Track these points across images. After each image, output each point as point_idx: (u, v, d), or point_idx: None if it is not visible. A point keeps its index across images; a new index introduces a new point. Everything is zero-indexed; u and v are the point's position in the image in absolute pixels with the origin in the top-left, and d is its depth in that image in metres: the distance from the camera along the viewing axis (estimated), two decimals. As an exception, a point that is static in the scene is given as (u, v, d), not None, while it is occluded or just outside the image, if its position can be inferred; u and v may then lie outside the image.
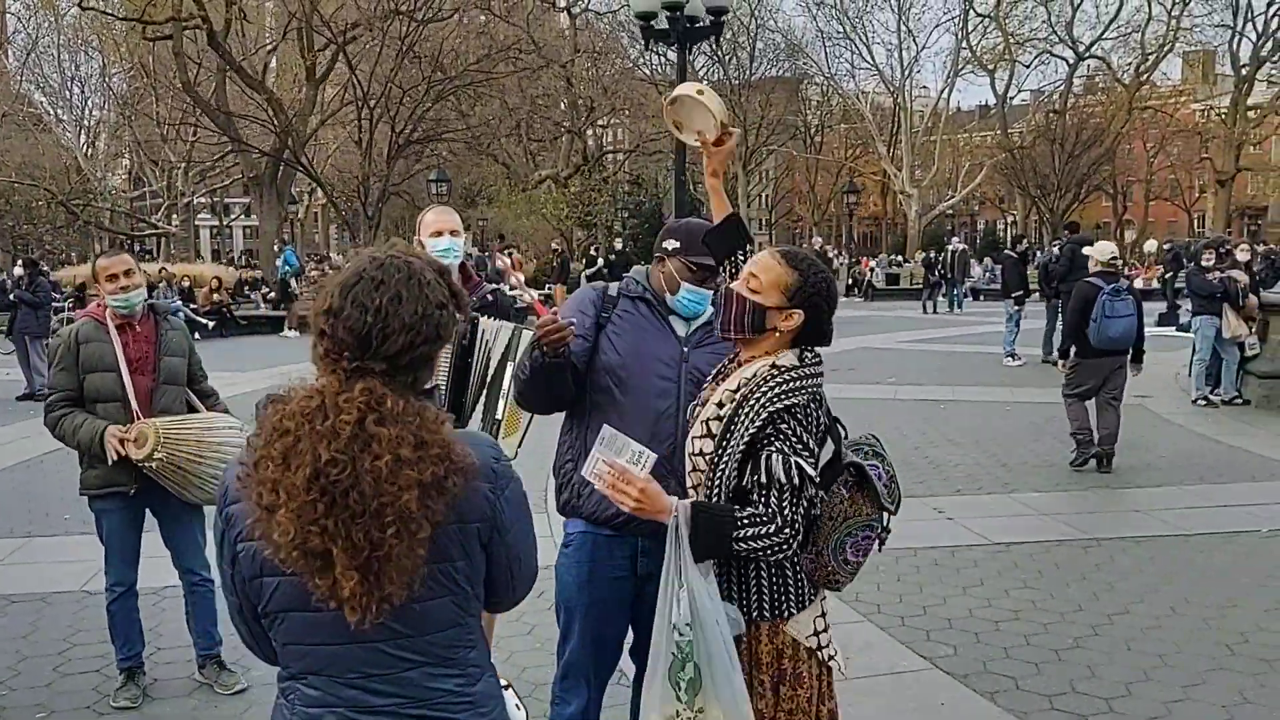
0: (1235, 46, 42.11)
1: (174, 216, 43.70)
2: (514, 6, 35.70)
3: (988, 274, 30.85)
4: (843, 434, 2.66)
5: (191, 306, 21.15)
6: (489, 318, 4.05)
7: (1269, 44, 40.89)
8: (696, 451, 2.62)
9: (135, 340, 4.54)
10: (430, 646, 1.82)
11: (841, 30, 50.03)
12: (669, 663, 2.55)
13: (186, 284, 21.44)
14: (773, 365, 2.55)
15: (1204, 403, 11.29)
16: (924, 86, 59.88)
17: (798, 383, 2.51)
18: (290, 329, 21.60)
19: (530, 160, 44.75)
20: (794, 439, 2.45)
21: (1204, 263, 11.23)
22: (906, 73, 51.25)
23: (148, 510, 4.68)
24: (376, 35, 23.50)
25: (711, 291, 3.24)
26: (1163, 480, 8.32)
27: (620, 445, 2.60)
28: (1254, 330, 11.25)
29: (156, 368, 4.57)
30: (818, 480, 2.49)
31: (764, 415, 2.45)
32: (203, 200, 48.35)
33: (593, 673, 3.33)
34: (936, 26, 79.76)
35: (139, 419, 4.40)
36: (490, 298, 4.30)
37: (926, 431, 10.30)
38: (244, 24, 27.97)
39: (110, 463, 4.35)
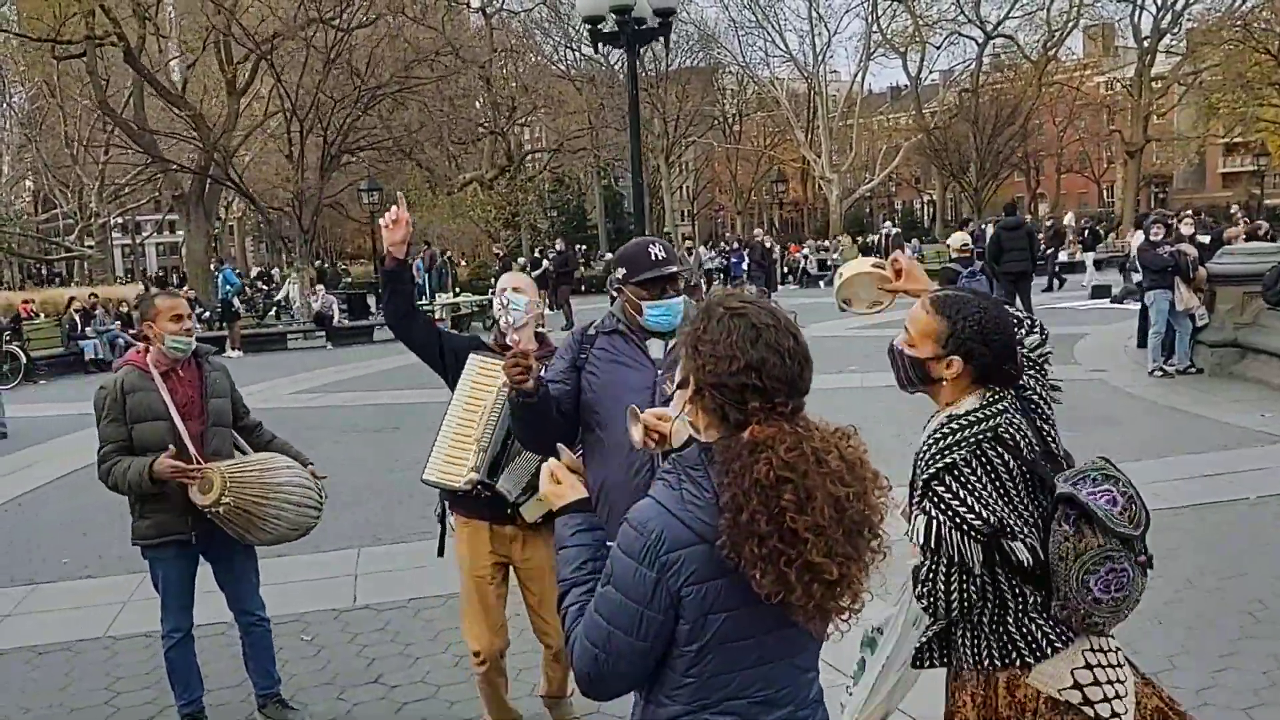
0: (1137, 20, 43.38)
1: (87, 238, 42.51)
2: (428, 9, 35.39)
3: (915, 255, 31.43)
4: (1064, 464, 2.57)
5: (131, 332, 20.64)
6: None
7: (1168, 16, 42.16)
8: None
9: (181, 385, 4.49)
10: (816, 656, 2.04)
11: (754, 19, 50.43)
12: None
13: (124, 309, 20.95)
14: (948, 417, 2.56)
15: (1160, 374, 11.70)
16: (835, 71, 60.59)
17: (961, 433, 2.47)
18: (234, 349, 21.24)
19: (453, 163, 44.44)
20: (948, 498, 2.41)
21: (1153, 237, 11.63)
22: (820, 58, 51.91)
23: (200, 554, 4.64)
24: (300, 45, 23.10)
25: (678, 298, 3.36)
26: (1140, 454, 8.61)
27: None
28: (1203, 301, 11.69)
29: (204, 411, 4.54)
30: (983, 532, 2.40)
31: (920, 482, 2.49)
32: (117, 220, 47.05)
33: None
34: (847, 12, 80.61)
35: (198, 464, 4.37)
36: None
37: (900, 418, 10.51)
38: (160, 39, 27.35)
39: (172, 505, 4.31)
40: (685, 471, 1.92)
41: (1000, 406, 2.52)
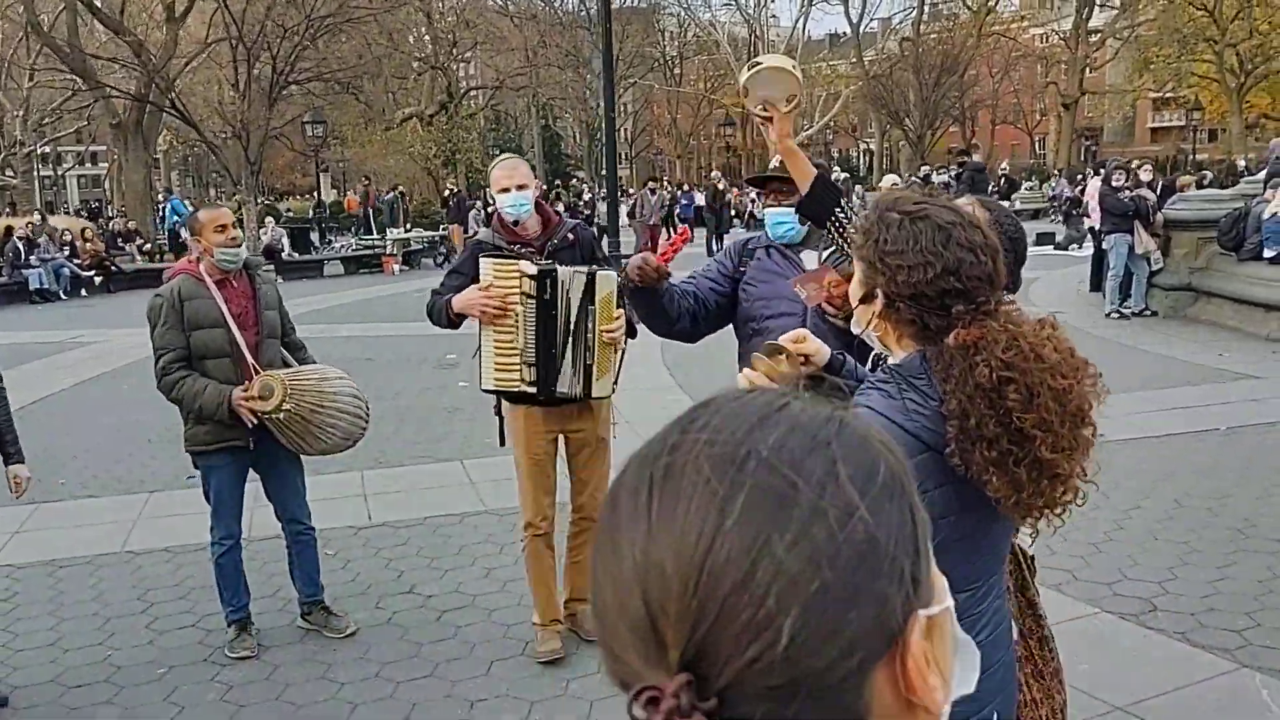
0: (1075, -29, 43.91)
1: (11, 168, 41.09)
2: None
3: (861, 202, 31.86)
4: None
5: (75, 261, 20.17)
6: (565, 265, 4.17)
7: (1107, -30, 42.82)
8: None
9: (234, 295, 4.54)
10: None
11: (697, -40, 50.02)
12: None
13: (68, 237, 20.42)
14: None
15: (1117, 315, 12.13)
16: (774, 16, 60.65)
17: None
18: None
19: (391, 99, 43.70)
20: None
21: (1115, 183, 11.98)
22: (762, 2, 51.77)
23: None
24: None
25: (791, 209, 3.47)
26: (1112, 388, 8.93)
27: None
28: (1158, 246, 12.11)
29: (258, 321, 4.59)
30: None
31: None
32: (45, 150, 45.52)
33: None
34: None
35: (255, 373, 4.42)
36: (570, 236, 4.41)
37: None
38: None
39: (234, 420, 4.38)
40: (907, 380, 1.89)
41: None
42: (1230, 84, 37.79)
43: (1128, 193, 11.81)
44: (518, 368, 4.16)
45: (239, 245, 4.51)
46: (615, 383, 4.39)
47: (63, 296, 18.65)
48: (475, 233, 25.79)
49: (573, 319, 4.16)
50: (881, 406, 1.87)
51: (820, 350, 2.27)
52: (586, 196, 38.67)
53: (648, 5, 56.15)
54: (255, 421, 4.35)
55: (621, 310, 4.18)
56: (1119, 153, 49.51)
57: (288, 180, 60.73)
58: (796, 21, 53.20)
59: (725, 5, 53.50)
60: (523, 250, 4.22)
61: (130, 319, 16.57)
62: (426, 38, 44.34)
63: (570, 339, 4.17)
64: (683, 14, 55.94)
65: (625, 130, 69.63)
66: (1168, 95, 46.14)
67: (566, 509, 4.59)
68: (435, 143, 41.27)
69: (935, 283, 1.83)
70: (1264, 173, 12.78)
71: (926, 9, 48.82)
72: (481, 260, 4.16)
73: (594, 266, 4.22)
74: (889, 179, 13.14)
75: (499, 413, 4.51)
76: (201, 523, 6.11)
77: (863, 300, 1.96)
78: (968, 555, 1.94)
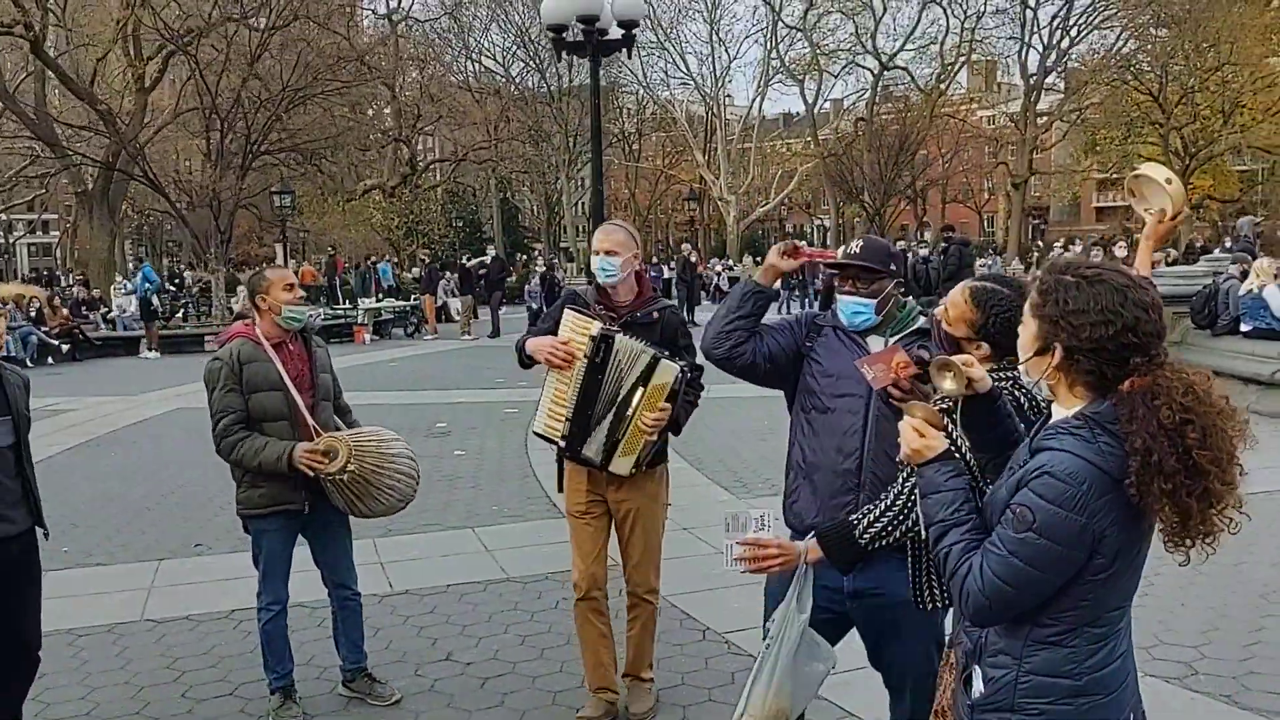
0: (1023, 57, 45.40)
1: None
2: (332, 14, 34.91)
3: (823, 276, 32.34)
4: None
5: (44, 329, 19.89)
6: (630, 337, 4.16)
7: (1053, 54, 44.25)
8: None
9: (290, 358, 4.55)
10: None
11: (656, 40, 51.02)
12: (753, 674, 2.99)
13: (37, 305, 20.15)
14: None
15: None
16: (729, 95, 61.57)
17: None
18: (150, 350, 20.62)
19: (353, 170, 43.89)
20: None
21: (1094, 258, 12.31)
22: (719, 82, 52.86)
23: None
24: (220, 41, 22.64)
25: (865, 299, 3.46)
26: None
27: (743, 521, 2.90)
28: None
29: (314, 384, 4.60)
30: None
31: None
32: (3, 218, 45.03)
33: None
34: (747, 37, 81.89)
35: (316, 434, 4.43)
36: (655, 314, 4.38)
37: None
38: (67, 31, 26.44)
39: (296, 479, 4.36)
40: (1102, 425, 2.08)
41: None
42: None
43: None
44: (561, 420, 4.22)
45: (304, 306, 4.54)
46: (638, 466, 4.31)
47: (29, 364, 18.35)
48: (444, 303, 26.08)
49: (621, 392, 4.16)
50: (1079, 450, 2.07)
51: (984, 379, 2.40)
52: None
53: (607, 83, 56.98)
54: (314, 475, 4.34)
55: (670, 405, 4.17)
56: (1066, 231, 50.78)
57: (244, 250, 60.43)
58: (753, 101, 54.62)
59: (682, 85, 54.51)
60: (604, 314, 4.24)
61: (103, 387, 16.46)
62: (387, 111, 44.83)
63: (612, 410, 4.18)
64: (641, 92, 56.88)
65: (582, 204, 70.37)
66: (1114, 176, 47.48)
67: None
68: (397, 214, 41.51)
69: (1116, 338, 2.06)
70: (1229, 249, 13.21)
71: (879, 91, 50.12)
72: (565, 311, 4.24)
73: (663, 351, 4.18)
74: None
75: (559, 461, 4.52)
76: (219, 590, 6.07)
77: (1038, 353, 2.17)
78: (1129, 577, 2.17)
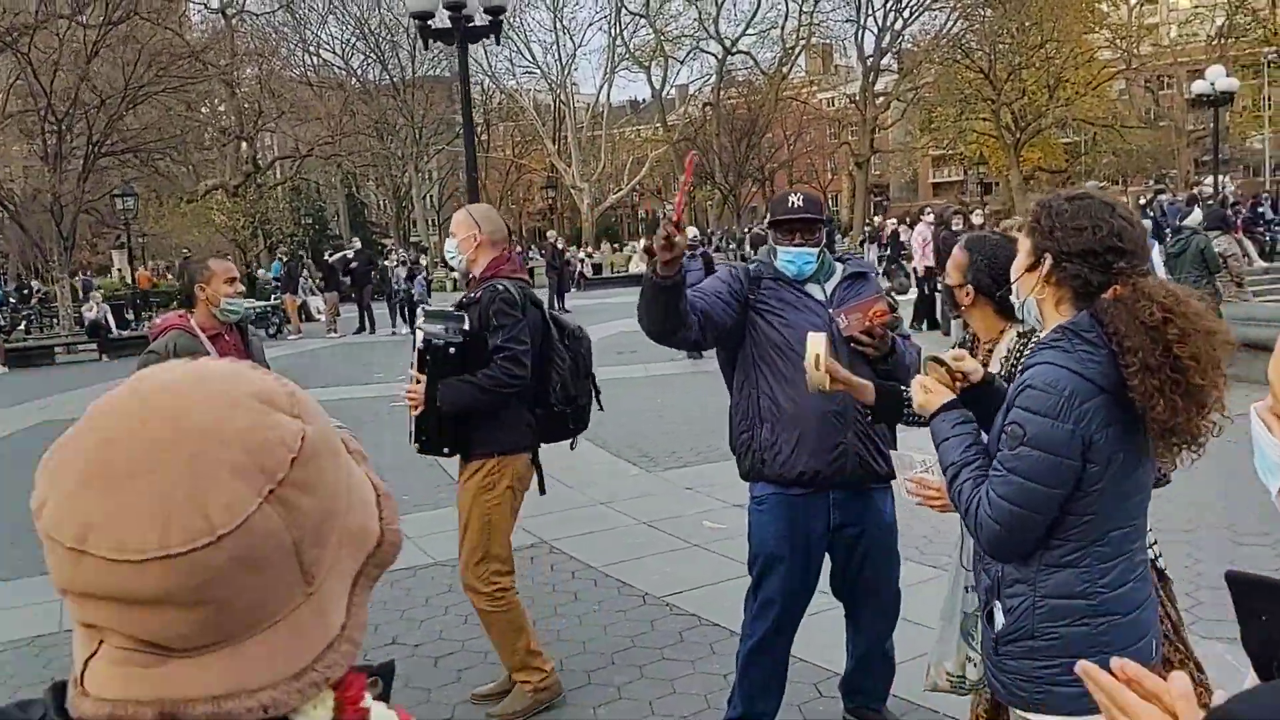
0: (860, 39, 46.86)
1: None
2: (159, 9, 33.58)
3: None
4: None
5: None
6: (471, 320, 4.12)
7: (888, 36, 45.82)
8: None
9: (227, 349, 4.49)
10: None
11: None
12: (962, 619, 3.04)
13: None
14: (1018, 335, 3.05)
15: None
16: (574, 83, 61.62)
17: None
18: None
19: (191, 170, 42.34)
20: None
21: (954, 227, 12.95)
22: (566, 70, 52.87)
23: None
24: (50, 40, 21.57)
25: (808, 248, 3.64)
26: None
27: (907, 461, 2.98)
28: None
29: (252, 375, 4.54)
30: None
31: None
32: None
33: (788, 618, 3.76)
34: (591, 24, 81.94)
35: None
36: (478, 294, 4.16)
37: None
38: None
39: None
40: (1079, 335, 2.20)
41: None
42: (1007, 140, 40.97)
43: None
44: None
45: (244, 297, 4.49)
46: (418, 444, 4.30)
47: None
48: (304, 301, 25.40)
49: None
50: (1057, 359, 2.20)
51: (977, 369, 2.53)
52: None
53: (452, 73, 56.29)
54: None
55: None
56: (906, 208, 52.71)
57: (78, 258, 57.65)
58: (600, 89, 54.78)
59: (528, 73, 54.29)
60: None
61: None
62: (223, 109, 43.38)
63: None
64: (487, 82, 56.42)
65: (431, 197, 69.42)
66: (950, 152, 49.49)
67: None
68: (242, 214, 40.27)
69: (1104, 240, 2.21)
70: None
71: (724, 76, 50.99)
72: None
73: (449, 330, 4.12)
74: (690, 230, 13.98)
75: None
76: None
77: (1029, 269, 2.32)
78: (1126, 494, 2.28)
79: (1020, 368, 2.40)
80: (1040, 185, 45.25)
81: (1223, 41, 42.44)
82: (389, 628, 5.49)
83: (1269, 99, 44.67)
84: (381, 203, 65.54)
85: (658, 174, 59.43)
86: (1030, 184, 42.54)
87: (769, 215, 3.84)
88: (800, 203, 3.69)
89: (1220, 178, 26.54)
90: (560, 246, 26.16)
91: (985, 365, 2.82)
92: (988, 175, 47.38)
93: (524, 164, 60.90)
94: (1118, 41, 46.30)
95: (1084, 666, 1.26)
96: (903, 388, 3.05)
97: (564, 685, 4.53)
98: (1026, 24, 39.38)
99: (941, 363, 2.50)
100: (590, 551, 6.45)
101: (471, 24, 13.10)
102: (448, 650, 5.14)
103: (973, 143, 44.54)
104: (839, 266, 3.73)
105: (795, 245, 3.66)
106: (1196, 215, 13.62)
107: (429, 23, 13.14)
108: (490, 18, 13.18)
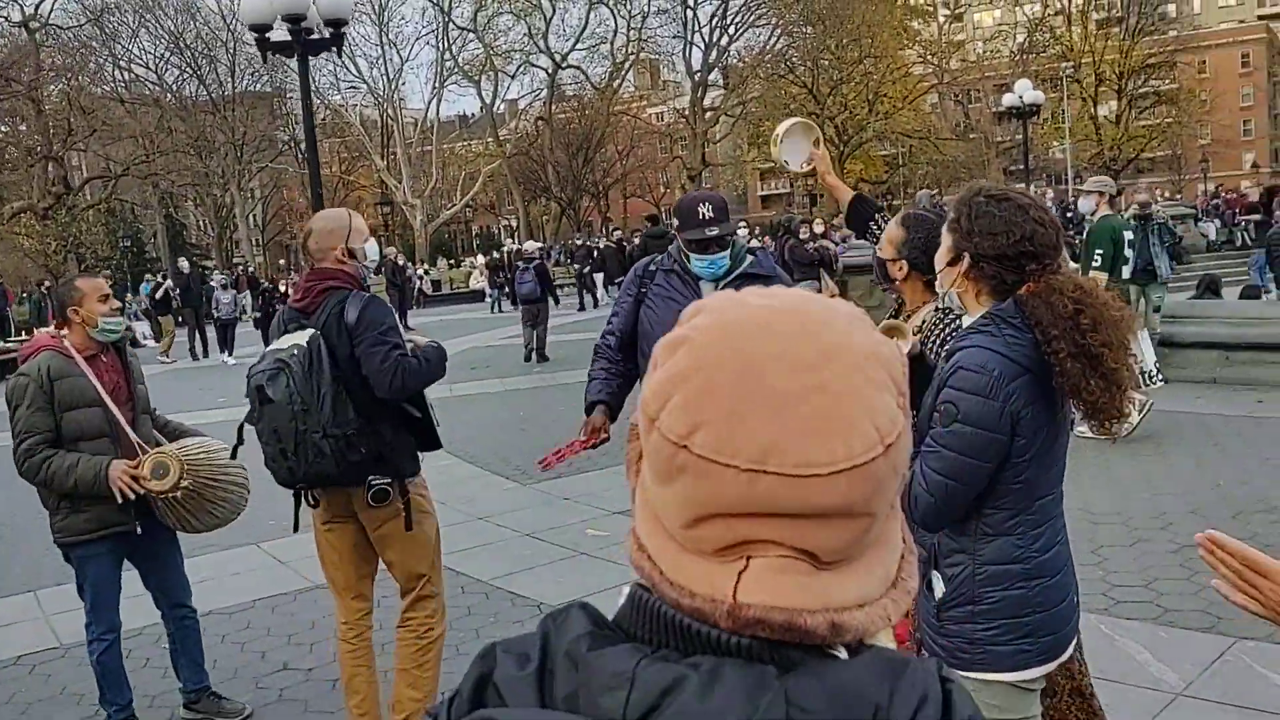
0: (687, 55, 47.81)
1: None
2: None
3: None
4: None
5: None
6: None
7: (714, 51, 46.87)
8: None
9: (105, 371, 4.28)
10: None
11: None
12: None
13: None
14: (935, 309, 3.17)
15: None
16: (402, 98, 60.70)
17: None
18: None
19: (-8, 193, 39.92)
20: None
21: (801, 236, 13.34)
22: (393, 84, 52.06)
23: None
24: None
25: (722, 253, 3.83)
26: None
27: None
28: (837, 291, 13.59)
29: (132, 396, 4.35)
30: None
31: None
32: None
33: None
34: (418, 39, 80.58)
35: (141, 450, 4.19)
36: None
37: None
38: None
39: (116, 501, 4.08)
40: (1004, 319, 2.37)
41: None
42: (831, 153, 42.31)
43: (812, 244, 13.19)
44: None
45: (121, 315, 4.28)
46: None
47: None
48: (128, 326, 24.11)
49: None
50: (987, 343, 2.37)
51: (915, 345, 2.70)
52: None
53: (273, 89, 54.67)
54: (134, 497, 4.08)
55: None
56: (737, 220, 53.92)
57: None
58: (429, 103, 54.13)
59: (352, 88, 53.18)
60: None
61: None
62: (24, 127, 41.10)
63: None
64: (312, 97, 54.97)
65: (254, 216, 67.16)
66: (772, 166, 50.83)
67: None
68: (53, 237, 38.15)
69: (1016, 245, 2.38)
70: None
71: (555, 90, 51.13)
72: None
73: None
74: (530, 245, 14.37)
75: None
76: (31, 630, 5.63)
77: (950, 264, 2.49)
78: (1046, 465, 2.46)
79: (948, 351, 2.53)
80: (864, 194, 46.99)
81: (1024, 57, 45.07)
82: (277, 653, 5.33)
83: (1067, 111, 47.59)
84: (202, 223, 63.12)
85: (491, 189, 59.10)
86: (854, 194, 44.04)
87: (677, 222, 3.90)
88: (710, 214, 3.75)
89: (1030, 185, 28.11)
90: (401, 263, 25.72)
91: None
92: (814, 188, 48.86)
93: (352, 180, 59.59)
94: (929, 57, 48.60)
95: (1212, 535, 1.52)
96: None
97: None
98: (845, 41, 40.95)
99: (900, 332, 2.65)
100: (476, 566, 6.39)
101: (312, 36, 12.83)
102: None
103: (799, 156, 45.84)
104: (748, 259, 3.82)
105: (711, 254, 3.75)
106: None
107: (267, 35, 12.77)
108: (331, 30, 12.92)
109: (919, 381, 2.57)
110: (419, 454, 3.89)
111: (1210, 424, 8.49)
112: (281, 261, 66.19)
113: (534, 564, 6.35)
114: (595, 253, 26.97)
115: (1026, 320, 2.36)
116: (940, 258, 2.55)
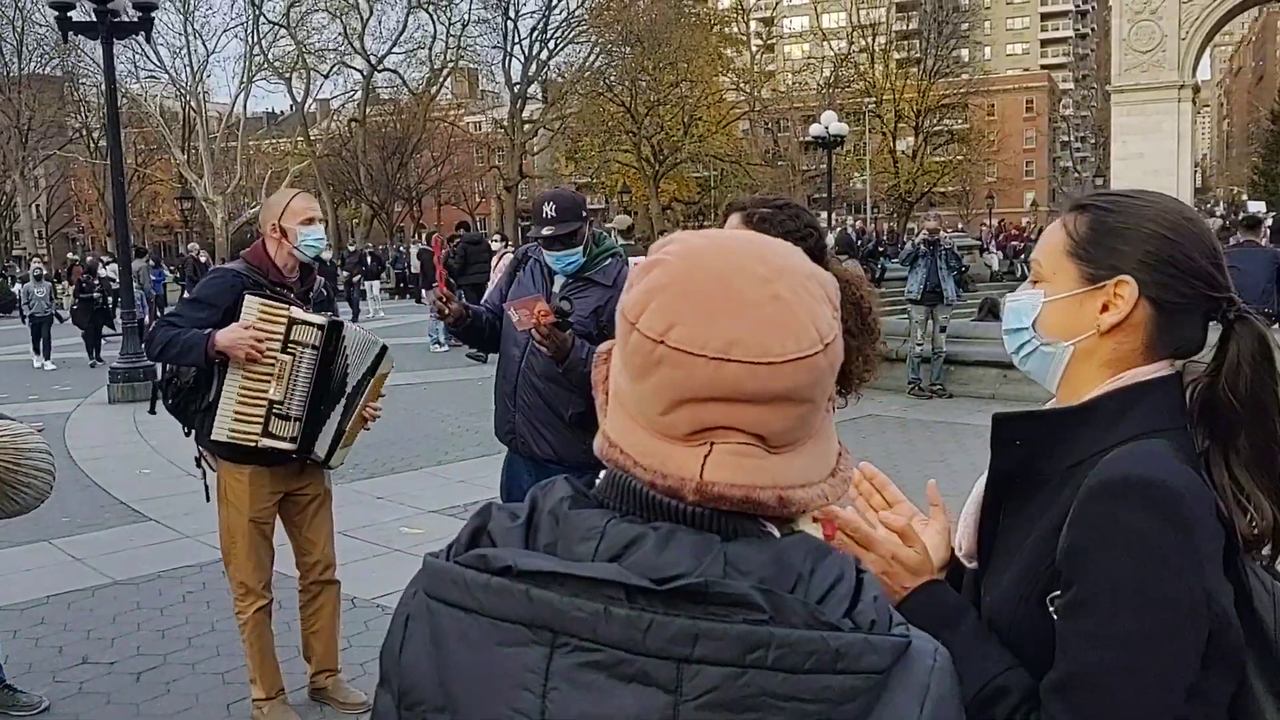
0: (507, 66, 47.85)
1: None
2: None
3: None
4: None
5: None
6: (356, 325, 4.28)
7: (534, 65, 47.10)
8: None
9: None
10: None
11: (125, 28, 47.11)
12: None
13: None
14: None
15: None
16: (206, 90, 58.38)
17: None
18: None
19: None
20: None
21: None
22: (197, 76, 49.99)
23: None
24: None
25: (568, 250, 3.82)
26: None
27: None
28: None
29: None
30: None
31: None
32: None
33: None
34: (226, 30, 77.37)
35: (-56, 430, 4.03)
36: (325, 291, 4.36)
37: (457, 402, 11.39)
38: None
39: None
40: None
41: None
42: (648, 172, 43.24)
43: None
44: (259, 421, 3.87)
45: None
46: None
47: None
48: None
49: (349, 384, 4.03)
50: None
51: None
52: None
53: (64, 73, 51.62)
54: None
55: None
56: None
57: None
58: (236, 98, 52.18)
59: (151, 77, 50.73)
60: (286, 294, 3.98)
61: None
62: None
63: (343, 403, 4.03)
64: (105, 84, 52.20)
65: (37, 207, 63.12)
66: (594, 180, 51.44)
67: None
68: None
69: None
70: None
71: (370, 93, 50.24)
72: (247, 297, 3.85)
73: (385, 345, 4.15)
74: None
75: (203, 465, 4.19)
76: None
77: None
78: None
79: None
80: (676, 215, 48.16)
81: (831, 90, 47.13)
82: (75, 648, 5.16)
83: (868, 144, 50.01)
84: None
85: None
86: (667, 213, 45.16)
87: (532, 221, 4.06)
88: (552, 214, 3.78)
89: (832, 214, 29.47)
90: (203, 260, 24.82)
91: None
92: (629, 204, 49.69)
93: (148, 173, 56.84)
94: (743, 85, 50.19)
95: (866, 467, 1.61)
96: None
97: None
98: (663, 64, 41.85)
99: None
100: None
101: (118, 19, 12.35)
102: (149, 665, 4.91)
103: (616, 173, 46.63)
104: (607, 262, 3.91)
105: (556, 251, 3.87)
106: (831, 239, 15.26)
107: (69, 15, 12.22)
108: (140, 14, 12.46)
109: None
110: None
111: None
112: (70, 255, 62.36)
113: (347, 560, 6.30)
114: (369, 259, 27.02)
115: None
116: None
